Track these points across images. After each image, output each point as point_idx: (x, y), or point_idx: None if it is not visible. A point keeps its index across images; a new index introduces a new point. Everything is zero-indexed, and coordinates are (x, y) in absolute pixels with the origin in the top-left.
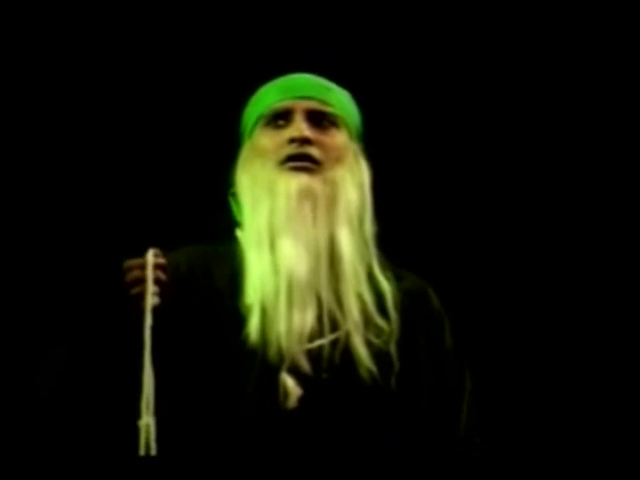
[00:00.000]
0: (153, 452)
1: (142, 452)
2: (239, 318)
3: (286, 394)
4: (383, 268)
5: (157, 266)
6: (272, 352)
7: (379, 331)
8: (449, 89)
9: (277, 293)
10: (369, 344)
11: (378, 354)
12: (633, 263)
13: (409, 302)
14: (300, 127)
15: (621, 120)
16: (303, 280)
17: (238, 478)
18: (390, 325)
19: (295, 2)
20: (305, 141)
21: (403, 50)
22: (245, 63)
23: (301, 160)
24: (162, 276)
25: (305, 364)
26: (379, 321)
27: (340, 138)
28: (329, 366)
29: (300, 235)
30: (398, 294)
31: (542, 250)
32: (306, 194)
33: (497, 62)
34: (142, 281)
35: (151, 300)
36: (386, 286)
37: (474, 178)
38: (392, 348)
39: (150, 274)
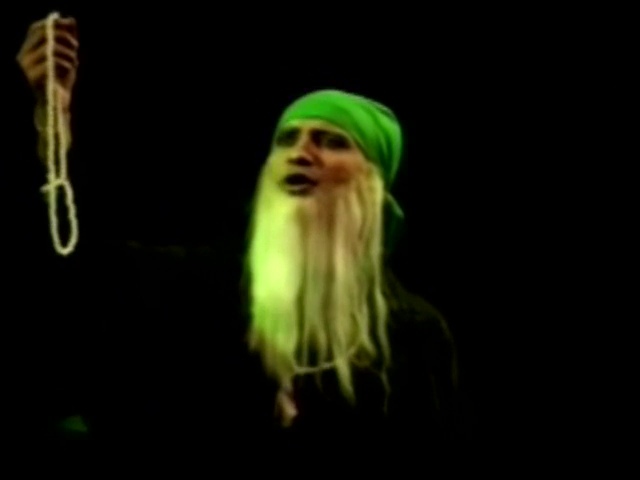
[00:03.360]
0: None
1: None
2: (241, 332)
3: (281, 414)
4: (393, 293)
5: (60, 26)
6: (269, 371)
7: (367, 355)
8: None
9: (264, 314)
10: (355, 368)
11: (365, 379)
12: None
13: (418, 332)
14: (298, 147)
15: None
16: (289, 302)
17: None
18: (381, 349)
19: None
20: (301, 161)
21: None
22: (300, 74)
23: (295, 182)
24: (69, 36)
25: (297, 386)
26: (368, 346)
27: (347, 157)
28: (317, 389)
29: (291, 256)
30: (404, 320)
31: (542, 254)
32: (296, 217)
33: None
34: (45, 42)
35: (52, 59)
36: (383, 310)
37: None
38: (383, 373)
39: (51, 32)
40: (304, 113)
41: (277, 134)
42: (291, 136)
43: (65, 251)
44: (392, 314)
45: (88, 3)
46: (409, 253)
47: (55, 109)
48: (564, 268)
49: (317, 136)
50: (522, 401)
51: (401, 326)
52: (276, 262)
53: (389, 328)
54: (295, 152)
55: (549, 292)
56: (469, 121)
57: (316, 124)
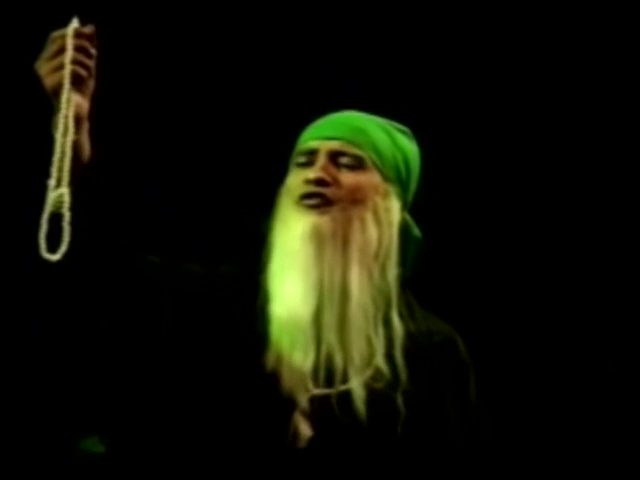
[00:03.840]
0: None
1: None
2: (258, 351)
3: (296, 434)
4: (410, 314)
5: (80, 34)
6: (285, 391)
7: (382, 377)
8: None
9: (282, 333)
10: (371, 390)
11: (382, 400)
12: None
13: (435, 353)
14: (317, 168)
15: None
16: (305, 321)
17: None
18: (397, 371)
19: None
20: (319, 182)
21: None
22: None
23: (313, 198)
24: (88, 45)
25: (312, 407)
26: (384, 367)
27: (364, 178)
28: (332, 410)
29: (306, 275)
30: (421, 342)
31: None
32: (312, 234)
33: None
34: (64, 51)
35: (70, 67)
36: (399, 332)
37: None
38: (398, 395)
39: (70, 42)
40: (322, 134)
41: (295, 155)
42: (309, 157)
43: (54, 257)
44: (409, 335)
45: (104, 10)
46: (428, 273)
47: (66, 117)
48: (580, 290)
49: (335, 157)
50: (539, 420)
51: (418, 348)
52: (292, 280)
53: (406, 350)
54: (313, 173)
55: (569, 317)
56: (488, 142)
57: (334, 145)
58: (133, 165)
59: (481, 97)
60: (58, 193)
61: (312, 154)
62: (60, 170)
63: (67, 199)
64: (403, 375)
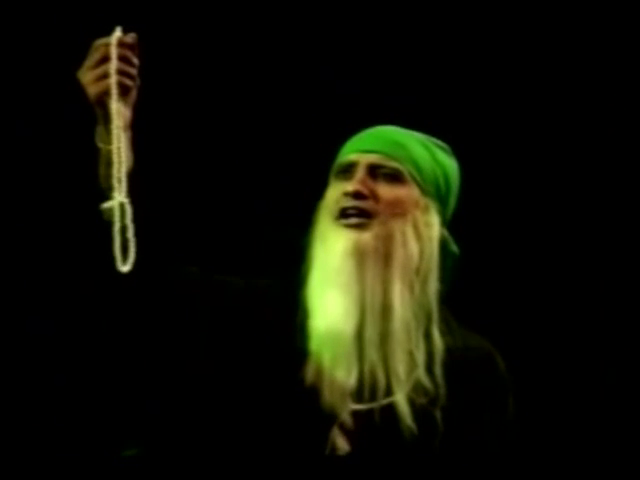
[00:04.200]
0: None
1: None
2: (297, 366)
3: (334, 449)
4: (449, 329)
5: (123, 44)
6: (325, 407)
7: (426, 392)
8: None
9: (323, 349)
10: (413, 405)
11: (423, 415)
12: None
13: (473, 369)
14: (355, 181)
15: None
16: (347, 337)
17: None
18: (438, 387)
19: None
20: (357, 195)
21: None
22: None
23: (351, 216)
24: (130, 54)
25: (353, 422)
26: (426, 382)
27: (403, 192)
28: (374, 424)
29: (348, 291)
30: (459, 357)
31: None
32: (353, 251)
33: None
34: (107, 59)
35: (115, 77)
36: (440, 347)
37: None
38: (437, 410)
39: (114, 51)
40: (361, 147)
41: (334, 168)
42: (348, 170)
43: (125, 269)
44: (447, 351)
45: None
46: (465, 289)
47: (118, 127)
48: (619, 312)
49: (373, 170)
50: (576, 437)
51: (455, 363)
52: (333, 297)
53: (445, 365)
54: (351, 186)
55: (605, 333)
56: (527, 160)
57: (373, 158)
58: (170, 178)
59: (519, 116)
60: (120, 202)
61: (350, 167)
62: (119, 180)
63: (129, 209)
64: (442, 391)
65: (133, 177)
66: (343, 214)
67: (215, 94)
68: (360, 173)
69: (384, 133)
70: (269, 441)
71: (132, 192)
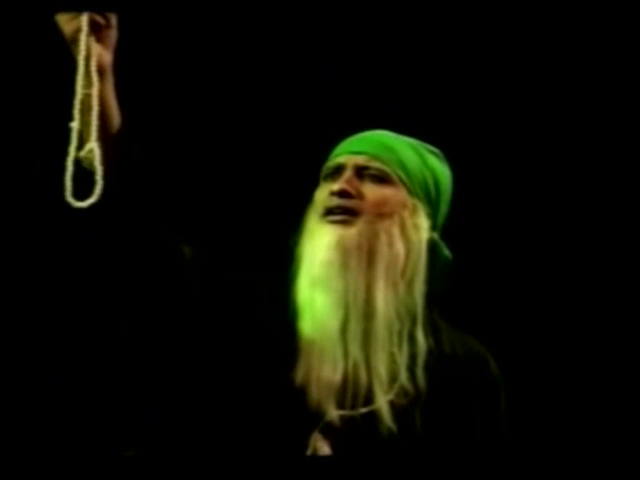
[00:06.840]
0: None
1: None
2: (288, 363)
3: (315, 453)
4: (436, 332)
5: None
6: (312, 408)
7: (406, 393)
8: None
9: (311, 346)
10: (394, 407)
11: (402, 417)
12: None
13: (460, 371)
14: (341, 181)
15: None
16: (333, 333)
17: None
18: (419, 388)
19: None
20: (343, 194)
21: None
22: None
23: (337, 213)
24: (101, 20)
25: (337, 424)
26: (407, 384)
27: (389, 192)
28: (358, 428)
29: (333, 287)
30: (446, 359)
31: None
32: (336, 245)
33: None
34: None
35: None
36: (423, 349)
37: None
38: (417, 412)
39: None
40: (349, 149)
41: (324, 171)
42: (336, 172)
43: (79, 204)
44: (432, 353)
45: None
46: (460, 293)
47: (87, 59)
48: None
49: (360, 171)
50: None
51: (441, 366)
52: (319, 293)
53: (428, 367)
54: (337, 185)
55: (604, 339)
56: (521, 165)
57: (360, 159)
58: (167, 177)
59: (514, 123)
60: (88, 148)
61: (339, 169)
62: (87, 124)
63: (97, 153)
64: (423, 392)
65: (122, 134)
66: (329, 212)
67: (215, 94)
68: (347, 173)
69: (373, 136)
70: (254, 440)
71: (121, 147)
